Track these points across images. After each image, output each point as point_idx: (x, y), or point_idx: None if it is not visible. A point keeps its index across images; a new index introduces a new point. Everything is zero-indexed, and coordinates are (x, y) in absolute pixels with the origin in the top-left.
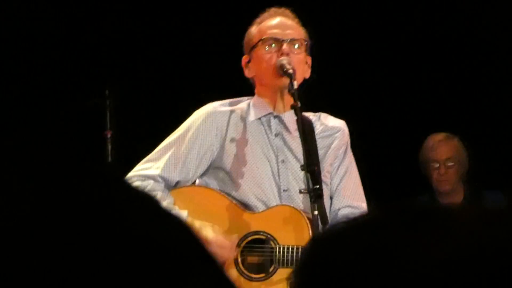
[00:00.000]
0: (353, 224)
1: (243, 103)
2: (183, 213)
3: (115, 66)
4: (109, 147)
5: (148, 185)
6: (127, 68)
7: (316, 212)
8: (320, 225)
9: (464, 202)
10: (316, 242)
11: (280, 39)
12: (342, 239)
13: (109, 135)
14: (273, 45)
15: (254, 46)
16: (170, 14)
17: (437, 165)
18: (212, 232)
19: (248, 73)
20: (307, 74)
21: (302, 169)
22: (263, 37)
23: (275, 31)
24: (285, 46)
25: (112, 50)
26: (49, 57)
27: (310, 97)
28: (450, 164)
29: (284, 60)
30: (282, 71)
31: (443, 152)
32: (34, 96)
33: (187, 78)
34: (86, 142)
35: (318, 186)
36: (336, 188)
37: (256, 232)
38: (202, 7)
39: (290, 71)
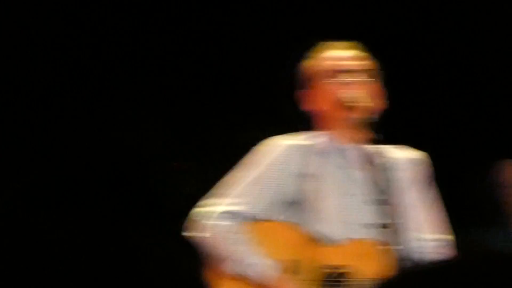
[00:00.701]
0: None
1: (317, 136)
2: (272, 265)
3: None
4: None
5: (229, 224)
6: (191, 97)
7: (390, 246)
8: (395, 260)
9: None
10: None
11: (350, 70)
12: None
13: (175, 166)
14: (339, 77)
15: (317, 79)
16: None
17: None
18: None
19: (310, 106)
20: (379, 106)
21: (374, 203)
22: (330, 69)
23: (342, 63)
24: (356, 78)
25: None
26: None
27: (379, 129)
28: None
29: (352, 93)
30: (346, 104)
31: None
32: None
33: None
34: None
35: (391, 220)
36: (412, 220)
37: (335, 266)
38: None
39: (359, 104)
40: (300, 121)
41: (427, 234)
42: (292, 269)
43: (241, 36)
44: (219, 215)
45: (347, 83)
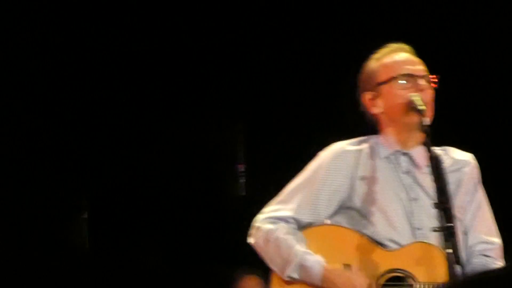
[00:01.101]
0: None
1: (370, 141)
2: (321, 261)
3: (249, 99)
4: (242, 180)
5: (281, 228)
6: (260, 99)
7: (450, 250)
8: (454, 264)
9: None
10: None
11: (414, 75)
12: None
13: (242, 168)
14: (409, 81)
15: (384, 82)
16: (301, 50)
17: None
18: (358, 277)
19: (374, 110)
20: (433, 109)
21: (435, 207)
22: (398, 73)
23: (408, 67)
24: (421, 82)
25: (246, 84)
26: (182, 89)
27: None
28: None
29: (416, 96)
30: (414, 107)
31: None
32: (168, 131)
33: (319, 111)
34: (219, 175)
35: (451, 224)
36: (470, 224)
37: (394, 270)
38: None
39: (423, 107)
40: (364, 125)
41: (486, 237)
42: None
43: (302, 42)
44: (263, 221)
45: (415, 87)
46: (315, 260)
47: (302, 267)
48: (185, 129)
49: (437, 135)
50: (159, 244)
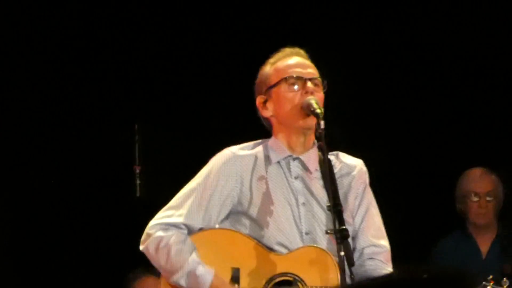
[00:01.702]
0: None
1: (261, 146)
2: (211, 272)
3: (144, 101)
4: (138, 182)
5: (172, 235)
6: (156, 103)
7: (342, 253)
8: (346, 267)
9: (497, 241)
10: None
11: (303, 77)
12: None
13: (137, 170)
14: (295, 84)
15: (273, 86)
16: (200, 53)
17: (476, 199)
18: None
19: (266, 113)
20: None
21: (328, 210)
22: (285, 76)
23: (297, 69)
24: (309, 85)
25: (142, 85)
26: (79, 92)
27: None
28: (489, 198)
29: (312, 99)
30: (309, 110)
31: (484, 185)
32: (63, 133)
33: (216, 114)
34: (115, 177)
35: (344, 227)
36: (359, 228)
37: (283, 274)
38: (227, 49)
39: (318, 110)
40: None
41: (374, 240)
42: (234, 277)
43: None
44: (153, 227)
45: (303, 90)
46: (206, 271)
47: (192, 275)
48: (81, 130)
49: (326, 139)
50: (53, 246)
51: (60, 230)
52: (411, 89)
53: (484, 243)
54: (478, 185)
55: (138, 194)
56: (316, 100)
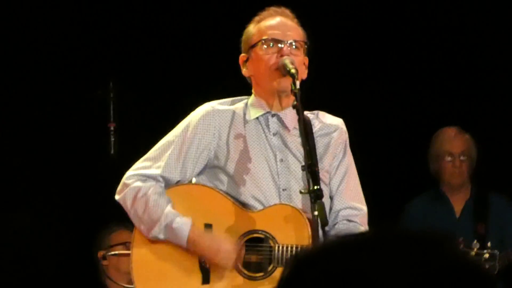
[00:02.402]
0: (333, 245)
1: (241, 102)
2: (188, 220)
3: (119, 58)
4: (112, 139)
5: (151, 186)
6: (130, 60)
7: (316, 213)
8: (319, 227)
9: (470, 201)
10: (298, 262)
11: (280, 40)
12: (322, 260)
13: (112, 127)
14: (273, 46)
15: (253, 46)
16: (173, 10)
17: (450, 158)
18: (223, 242)
19: (245, 72)
20: (305, 75)
21: (303, 170)
22: (263, 37)
23: (275, 31)
24: (285, 48)
25: (116, 43)
26: (53, 49)
27: (308, 96)
28: (463, 158)
29: (287, 59)
30: (285, 70)
31: (458, 145)
32: (37, 90)
33: (191, 71)
34: (89, 134)
35: (318, 187)
36: (336, 189)
37: (255, 231)
38: (207, 2)
39: (293, 70)
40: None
41: (352, 202)
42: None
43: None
44: (131, 177)
45: (280, 51)
46: (183, 222)
47: (169, 228)
48: (55, 88)
49: (309, 99)
50: (31, 203)
51: (35, 187)
52: (390, 50)
53: (458, 203)
54: (452, 145)
55: (112, 152)
56: (291, 60)
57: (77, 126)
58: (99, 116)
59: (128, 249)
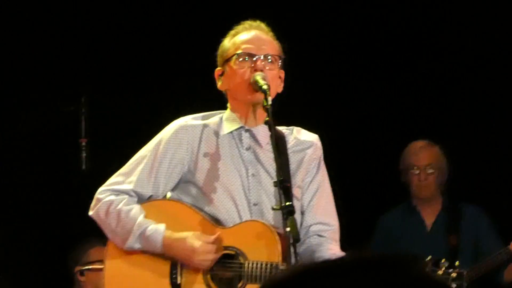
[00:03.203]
0: (299, 272)
1: (216, 117)
2: (161, 226)
3: (91, 73)
4: (84, 154)
5: (123, 199)
6: (103, 75)
7: (288, 229)
8: (291, 243)
9: (442, 213)
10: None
11: (254, 54)
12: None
13: (83, 143)
14: (247, 60)
15: (228, 60)
16: (148, 24)
17: (417, 171)
18: (197, 241)
19: (221, 86)
20: (280, 89)
21: (274, 186)
22: (237, 52)
23: (249, 46)
24: (259, 62)
25: (89, 58)
26: (24, 62)
27: (283, 111)
28: (430, 171)
29: (258, 75)
30: (257, 86)
31: (424, 158)
32: (8, 104)
33: (165, 86)
34: (61, 150)
35: (290, 203)
36: (308, 204)
37: (226, 247)
38: (181, 17)
39: (265, 86)
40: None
41: (323, 218)
42: None
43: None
44: (104, 192)
45: (253, 66)
46: (156, 228)
47: (143, 237)
48: (26, 102)
49: (286, 114)
50: (2, 220)
51: (6, 203)
52: (362, 64)
53: (429, 216)
54: (418, 158)
55: (84, 167)
56: (262, 76)
57: (48, 141)
58: (70, 131)
59: None
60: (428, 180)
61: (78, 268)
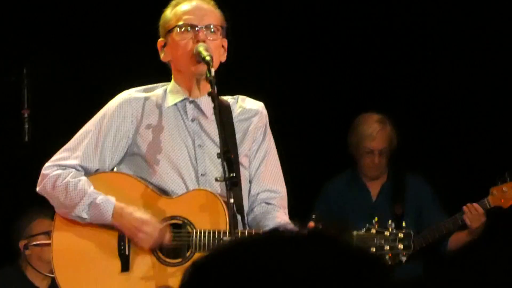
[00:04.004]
0: (229, 248)
1: (159, 89)
2: (112, 199)
3: (33, 43)
4: (26, 126)
5: (70, 173)
6: (45, 45)
7: (232, 200)
8: (235, 213)
9: (387, 184)
10: (196, 267)
11: (196, 25)
12: (219, 266)
13: (26, 114)
14: (189, 31)
15: (170, 31)
16: None
17: (370, 155)
18: (146, 214)
19: (164, 57)
20: (223, 58)
21: (218, 157)
22: (178, 23)
23: (191, 16)
24: (201, 33)
25: (30, 28)
26: None
27: (228, 80)
28: (384, 153)
29: (201, 46)
30: (199, 57)
31: (379, 142)
32: None
33: (109, 57)
34: (3, 121)
35: (234, 174)
36: (255, 172)
37: (173, 217)
38: None
39: (208, 58)
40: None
41: (270, 185)
42: None
43: None
44: (50, 168)
45: (194, 37)
46: (107, 198)
47: (94, 205)
48: None
49: (231, 82)
50: None
51: None
52: (314, 32)
53: (374, 186)
54: (373, 143)
55: (26, 139)
56: (205, 47)
57: None
58: (12, 102)
59: (50, 238)
60: (380, 162)
61: (23, 242)
